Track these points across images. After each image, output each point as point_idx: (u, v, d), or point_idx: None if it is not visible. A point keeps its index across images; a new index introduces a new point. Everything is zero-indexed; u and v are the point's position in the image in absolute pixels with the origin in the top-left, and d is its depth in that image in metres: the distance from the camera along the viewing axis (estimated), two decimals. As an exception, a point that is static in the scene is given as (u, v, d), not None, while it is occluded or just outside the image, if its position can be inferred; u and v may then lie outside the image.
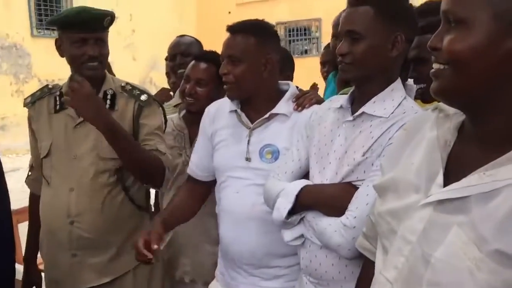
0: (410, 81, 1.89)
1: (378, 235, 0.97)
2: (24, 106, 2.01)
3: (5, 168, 1.89)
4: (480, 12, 0.77)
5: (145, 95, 1.99)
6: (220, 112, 1.83)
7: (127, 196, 1.96)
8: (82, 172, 1.89)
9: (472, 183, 0.78)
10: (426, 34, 1.57)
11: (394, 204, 0.91)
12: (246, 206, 1.70)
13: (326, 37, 11.29)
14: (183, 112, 2.27)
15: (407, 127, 1.03)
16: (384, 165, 1.01)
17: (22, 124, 2.10)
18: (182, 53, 2.52)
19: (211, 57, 2.16)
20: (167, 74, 2.93)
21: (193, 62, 2.17)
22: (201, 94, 2.10)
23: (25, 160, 2.07)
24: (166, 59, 3.00)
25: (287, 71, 2.41)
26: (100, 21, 1.87)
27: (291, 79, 2.44)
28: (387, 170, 0.98)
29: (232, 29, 1.73)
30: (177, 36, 2.72)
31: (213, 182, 1.85)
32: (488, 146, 0.80)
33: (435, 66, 0.83)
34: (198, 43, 2.63)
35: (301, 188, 1.45)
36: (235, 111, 1.77)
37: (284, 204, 1.45)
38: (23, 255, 2.08)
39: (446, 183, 0.82)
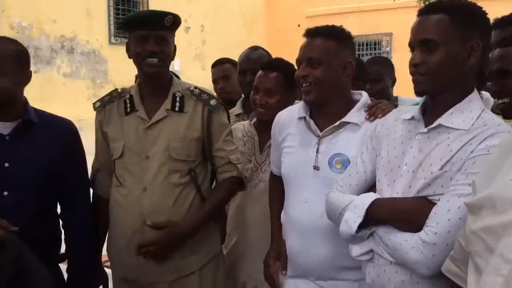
0: (485, 93, 1.81)
1: (470, 255, 0.92)
2: (94, 110, 2.07)
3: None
4: None
5: (214, 100, 2.02)
6: (289, 119, 1.84)
7: (200, 195, 1.99)
8: (155, 172, 1.92)
9: None
10: (509, 46, 1.50)
11: (490, 221, 0.87)
12: (315, 216, 1.67)
13: (397, 52, 11.05)
14: (254, 119, 2.29)
15: (501, 144, 0.99)
16: (477, 183, 0.97)
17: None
18: (253, 71, 2.45)
19: (278, 65, 2.17)
20: (214, 81, 3.06)
21: (260, 72, 2.17)
22: (272, 103, 2.11)
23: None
24: (212, 67, 3.12)
25: (359, 81, 2.37)
26: (160, 19, 1.89)
27: (364, 89, 2.41)
28: (481, 188, 0.94)
29: (311, 32, 1.73)
30: (248, 48, 2.70)
31: None
32: None
33: None
34: (268, 57, 2.61)
35: (372, 202, 1.40)
36: (304, 118, 1.77)
37: (354, 218, 1.40)
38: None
39: None
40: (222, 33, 11.40)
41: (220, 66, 3.07)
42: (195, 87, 2.04)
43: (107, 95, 2.09)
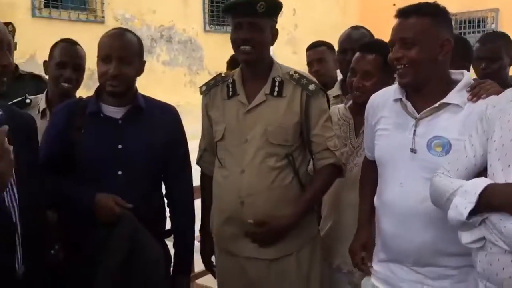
0: None
1: None
2: (201, 94, 2.16)
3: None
4: None
5: (313, 84, 2.01)
6: (383, 101, 1.79)
7: (297, 179, 2.00)
8: (252, 155, 1.96)
9: None
10: None
11: None
12: (413, 200, 1.62)
13: (503, 30, 10.24)
14: (350, 102, 2.26)
15: None
16: None
17: (193, 111, 2.33)
18: (354, 50, 2.37)
19: (376, 47, 2.11)
20: (308, 63, 3.05)
21: (358, 54, 2.12)
22: (369, 86, 2.06)
23: (195, 144, 2.25)
24: (307, 50, 3.10)
25: (464, 61, 2.23)
26: (252, 5, 1.89)
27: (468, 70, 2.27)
28: None
29: (403, 12, 1.66)
30: (350, 27, 2.66)
31: None
32: None
33: None
34: (370, 37, 2.55)
35: (485, 187, 1.33)
36: (400, 99, 1.71)
37: (464, 204, 1.34)
38: (199, 228, 2.27)
39: None
40: (314, 15, 11.27)
41: (315, 49, 3.05)
42: (295, 72, 2.04)
43: (212, 79, 2.16)
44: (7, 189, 1.44)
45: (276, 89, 1.99)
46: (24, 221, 1.48)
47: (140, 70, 1.94)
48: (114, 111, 1.91)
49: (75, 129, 1.85)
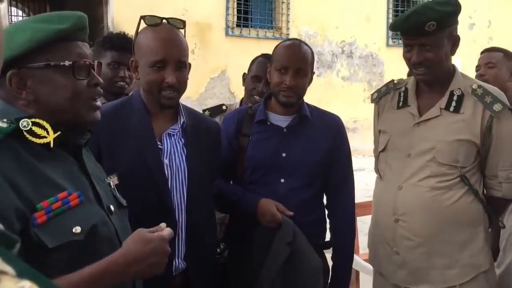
0: None
1: None
2: (371, 102, 2.11)
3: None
4: None
5: (499, 103, 1.79)
6: None
7: (475, 197, 1.82)
8: (413, 172, 1.84)
9: None
10: None
11: None
12: None
13: None
14: None
15: None
16: None
17: (371, 128, 2.27)
18: None
19: None
20: (477, 67, 2.79)
21: None
22: None
23: (370, 161, 2.17)
24: (480, 54, 2.81)
25: None
26: (420, 27, 1.75)
27: None
28: None
29: None
30: None
31: None
32: None
33: None
34: None
35: None
36: None
37: None
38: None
39: None
40: (513, 27, 10.16)
41: (488, 53, 2.75)
42: (479, 86, 1.85)
43: (383, 86, 2.10)
44: (178, 188, 1.57)
45: (454, 104, 1.83)
46: (190, 220, 1.59)
47: (311, 80, 1.95)
48: (281, 120, 1.94)
49: (243, 136, 1.94)
